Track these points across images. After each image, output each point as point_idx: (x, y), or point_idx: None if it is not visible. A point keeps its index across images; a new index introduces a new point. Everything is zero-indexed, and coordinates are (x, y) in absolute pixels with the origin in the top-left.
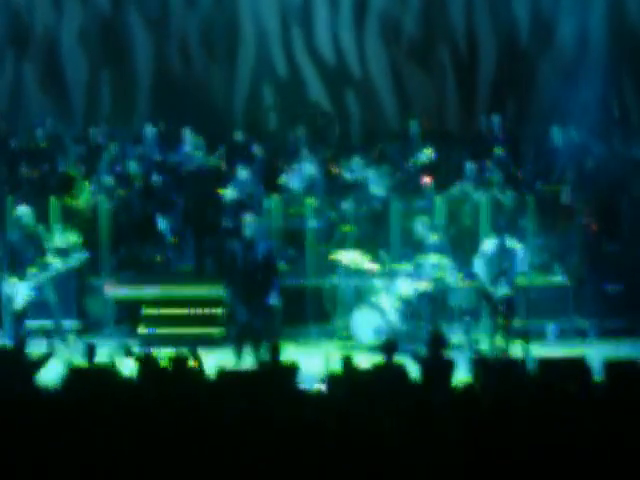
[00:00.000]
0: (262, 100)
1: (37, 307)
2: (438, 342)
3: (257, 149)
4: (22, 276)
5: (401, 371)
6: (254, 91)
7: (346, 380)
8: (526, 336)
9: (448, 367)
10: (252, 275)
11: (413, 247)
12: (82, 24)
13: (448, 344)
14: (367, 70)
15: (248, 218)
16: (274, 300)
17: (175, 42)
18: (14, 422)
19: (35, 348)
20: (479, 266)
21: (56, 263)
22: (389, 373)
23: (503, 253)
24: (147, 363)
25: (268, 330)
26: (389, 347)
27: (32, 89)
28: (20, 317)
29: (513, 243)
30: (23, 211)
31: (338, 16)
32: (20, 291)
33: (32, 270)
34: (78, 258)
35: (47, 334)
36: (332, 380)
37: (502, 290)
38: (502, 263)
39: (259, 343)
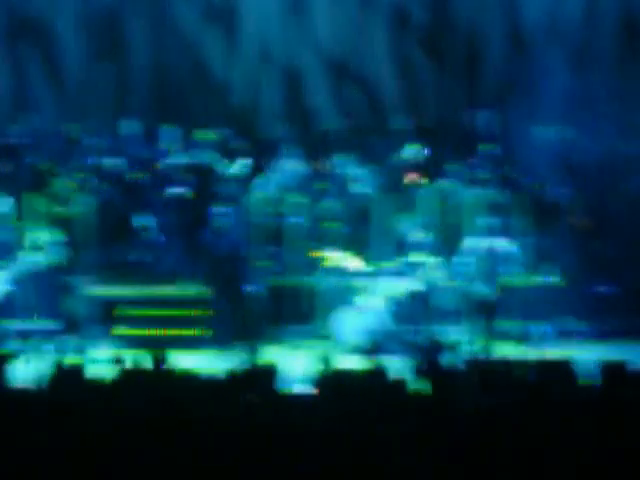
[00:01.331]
0: (260, 91)
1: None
2: (436, 350)
3: (239, 144)
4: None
5: (383, 373)
6: (252, 81)
7: (327, 382)
8: (514, 338)
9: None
10: (226, 267)
11: (397, 245)
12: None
13: (443, 350)
14: (368, 61)
15: (221, 210)
16: (254, 289)
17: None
18: None
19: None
20: (468, 265)
21: (31, 258)
22: (371, 375)
23: (489, 252)
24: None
25: (248, 324)
26: (372, 348)
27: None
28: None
29: (500, 242)
30: (3, 203)
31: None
32: None
33: (5, 263)
34: (54, 255)
35: (20, 333)
36: (313, 382)
37: (485, 290)
38: (490, 262)
39: (239, 338)
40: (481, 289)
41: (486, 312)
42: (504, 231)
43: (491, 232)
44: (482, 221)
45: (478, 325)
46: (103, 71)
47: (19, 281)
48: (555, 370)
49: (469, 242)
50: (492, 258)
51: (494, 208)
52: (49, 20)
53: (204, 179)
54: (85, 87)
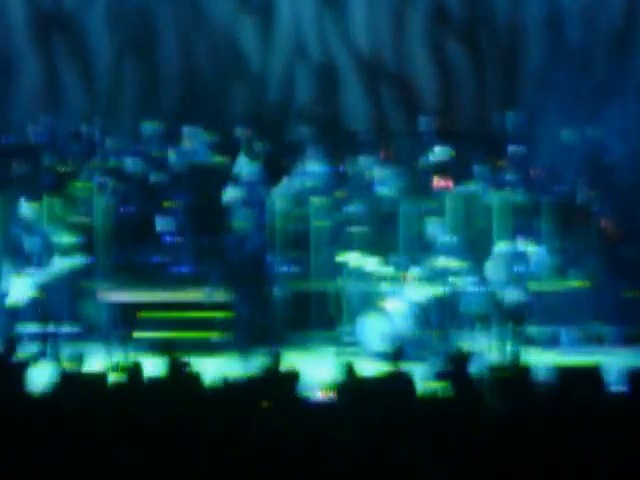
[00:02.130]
0: (295, 87)
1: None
2: (461, 356)
3: (261, 146)
4: (22, 273)
5: (407, 379)
6: (287, 78)
7: (350, 388)
8: (542, 343)
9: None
10: (246, 270)
11: (423, 249)
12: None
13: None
14: (402, 59)
15: (241, 212)
16: (274, 293)
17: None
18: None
19: (26, 351)
20: (492, 270)
21: (57, 264)
22: (396, 382)
23: (516, 256)
24: (137, 372)
25: (269, 329)
26: (396, 354)
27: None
28: (12, 316)
29: (527, 246)
30: (26, 207)
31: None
32: (18, 289)
33: (32, 269)
34: (78, 261)
35: (39, 337)
36: (335, 388)
37: (514, 295)
38: (515, 267)
39: (260, 343)
40: (509, 294)
41: (513, 317)
42: (532, 235)
43: (519, 236)
44: (510, 225)
45: (505, 330)
46: (129, 70)
47: (40, 285)
48: (582, 376)
49: (497, 246)
50: (520, 262)
51: (522, 211)
52: (78, 17)
53: (226, 181)
54: (110, 86)
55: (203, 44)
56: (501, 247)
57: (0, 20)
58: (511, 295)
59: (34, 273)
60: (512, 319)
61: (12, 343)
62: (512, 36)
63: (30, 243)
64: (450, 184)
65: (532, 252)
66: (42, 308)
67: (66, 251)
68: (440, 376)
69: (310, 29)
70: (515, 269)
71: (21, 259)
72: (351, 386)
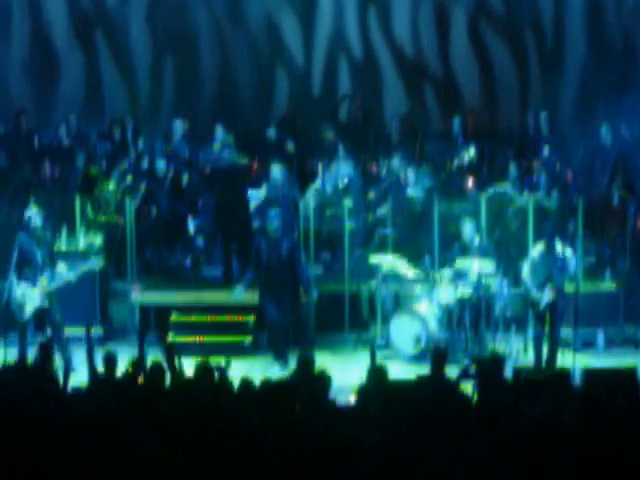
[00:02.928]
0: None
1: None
2: (497, 364)
3: (291, 146)
4: (33, 283)
5: (450, 385)
6: (329, 77)
7: (382, 392)
8: (574, 346)
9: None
10: (277, 272)
11: (454, 251)
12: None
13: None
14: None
15: (272, 214)
16: (306, 296)
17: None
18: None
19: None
20: (526, 271)
21: (67, 271)
22: (436, 386)
23: (550, 258)
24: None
25: (301, 331)
26: (438, 356)
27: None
28: (25, 327)
29: (562, 247)
30: (32, 213)
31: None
32: (30, 299)
33: (43, 277)
34: (91, 265)
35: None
36: (366, 390)
37: (547, 296)
38: (549, 268)
39: (292, 346)
40: (540, 296)
41: (546, 319)
42: (564, 236)
43: (551, 237)
44: (541, 226)
45: (540, 333)
46: (167, 68)
47: (68, 287)
48: (617, 379)
49: (532, 247)
50: (552, 264)
51: (553, 212)
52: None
53: (257, 182)
54: (150, 85)
55: (241, 42)
56: (537, 248)
57: (42, 18)
58: (545, 296)
59: (58, 274)
60: (543, 321)
61: (46, 350)
62: (555, 35)
63: (39, 252)
64: (480, 184)
65: (567, 254)
66: (71, 311)
67: (89, 253)
68: (473, 379)
69: (352, 25)
70: (547, 271)
71: (30, 269)
72: (382, 388)
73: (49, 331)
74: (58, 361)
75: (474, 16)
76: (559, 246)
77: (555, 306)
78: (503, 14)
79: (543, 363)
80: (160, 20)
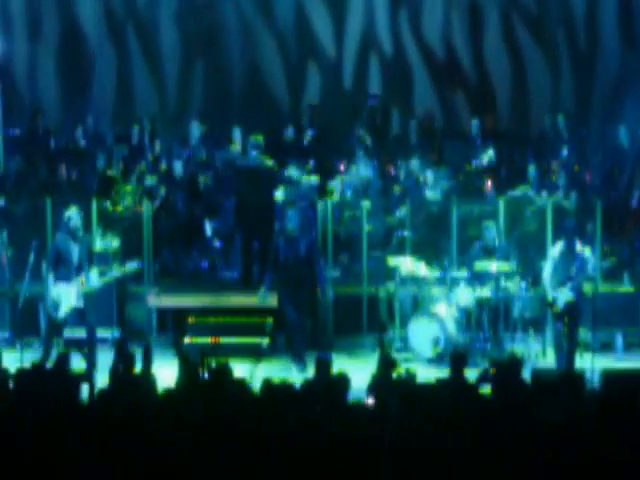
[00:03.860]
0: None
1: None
2: (515, 366)
3: (312, 148)
4: (69, 282)
5: (469, 387)
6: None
7: (398, 392)
8: (594, 347)
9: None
10: (295, 271)
11: (473, 252)
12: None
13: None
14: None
15: (290, 214)
16: (323, 295)
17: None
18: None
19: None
20: (547, 272)
21: (96, 275)
22: (456, 389)
23: (570, 257)
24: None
25: (319, 333)
26: (457, 360)
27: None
28: (58, 326)
29: (581, 247)
30: (72, 213)
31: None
32: (67, 299)
33: (80, 277)
34: (130, 267)
35: (83, 346)
36: (383, 392)
37: (566, 297)
38: (568, 268)
39: (310, 348)
40: (559, 297)
41: (565, 320)
42: (582, 237)
43: (571, 237)
44: (561, 225)
45: (557, 334)
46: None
47: (88, 291)
48: (635, 380)
49: (547, 248)
50: (571, 265)
51: (572, 214)
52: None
53: (274, 183)
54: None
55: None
56: (556, 248)
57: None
58: (562, 297)
59: (79, 281)
60: (565, 322)
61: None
62: (588, 35)
63: (76, 252)
64: (499, 186)
65: (586, 253)
66: (88, 315)
67: (112, 254)
68: (490, 381)
69: (382, 22)
70: (566, 272)
71: (66, 269)
72: (400, 390)
73: (68, 332)
74: (82, 363)
75: (506, 15)
76: (578, 246)
77: (574, 307)
78: (535, 13)
79: (560, 364)
80: (189, 19)
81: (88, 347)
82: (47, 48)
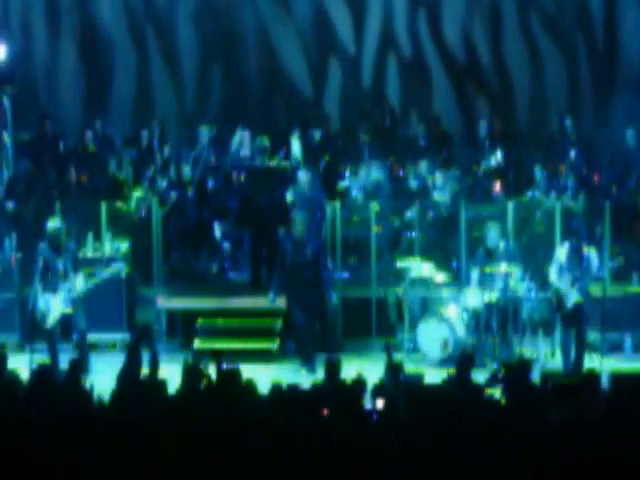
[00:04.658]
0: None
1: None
2: (524, 368)
3: (319, 150)
4: (55, 291)
5: (476, 389)
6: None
7: (407, 395)
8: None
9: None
10: (303, 274)
11: (481, 255)
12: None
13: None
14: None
15: (297, 217)
16: (329, 298)
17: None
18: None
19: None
20: (553, 273)
21: (81, 281)
22: (463, 390)
23: (577, 259)
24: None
25: (328, 336)
26: (464, 361)
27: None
28: (53, 334)
29: (587, 248)
30: (54, 223)
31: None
32: (54, 307)
33: (65, 284)
34: (116, 270)
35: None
36: (393, 394)
37: (574, 299)
38: (575, 269)
39: (319, 350)
40: (567, 298)
41: (573, 323)
42: (591, 239)
43: (576, 240)
44: (568, 229)
45: (565, 335)
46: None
47: (95, 294)
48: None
49: (557, 250)
50: (578, 267)
51: (578, 215)
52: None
53: (284, 186)
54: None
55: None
56: (562, 249)
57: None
58: (573, 299)
59: (65, 290)
60: (573, 324)
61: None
62: (606, 37)
63: (61, 261)
64: (507, 188)
65: (591, 254)
66: (98, 315)
67: (121, 257)
68: (501, 383)
69: (401, 22)
70: (574, 272)
71: (53, 278)
72: (409, 393)
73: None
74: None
75: (525, 16)
76: (585, 246)
77: (581, 308)
78: (554, 14)
79: (571, 366)
80: (207, 20)
81: (79, 352)
82: (66, 49)
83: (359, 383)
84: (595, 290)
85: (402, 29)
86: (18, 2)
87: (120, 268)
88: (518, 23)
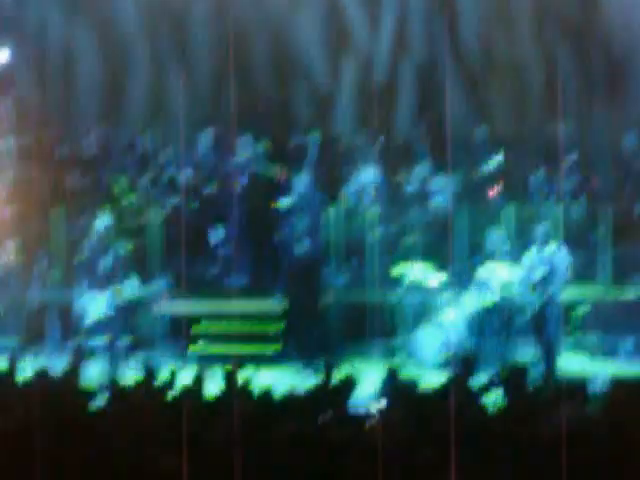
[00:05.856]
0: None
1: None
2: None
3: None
4: (100, 290)
5: (473, 393)
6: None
7: (404, 399)
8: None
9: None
10: (302, 279)
11: (479, 258)
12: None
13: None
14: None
15: (296, 221)
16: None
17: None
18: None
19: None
20: (520, 277)
21: (135, 285)
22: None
23: (544, 262)
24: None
25: (327, 339)
26: (464, 366)
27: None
28: (88, 333)
29: (555, 251)
30: (104, 221)
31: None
32: (95, 306)
33: (114, 286)
34: (159, 286)
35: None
36: (390, 398)
37: (540, 301)
38: (541, 273)
39: (315, 354)
40: (534, 301)
41: (568, 326)
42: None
43: (544, 242)
44: (565, 233)
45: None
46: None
47: (125, 299)
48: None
49: (551, 254)
50: (542, 270)
51: (577, 220)
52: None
53: (281, 190)
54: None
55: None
56: (530, 253)
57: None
58: (539, 301)
59: (112, 291)
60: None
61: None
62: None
63: (104, 260)
64: (504, 192)
65: (559, 258)
66: (100, 321)
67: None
68: (497, 386)
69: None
70: (541, 276)
71: (98, 276)
72: (406, 397)
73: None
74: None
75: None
76: (552, 250)
77: (548, 310)
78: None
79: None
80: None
81: (111, 355)
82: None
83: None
84: (594, 293)
85: (418, 30)
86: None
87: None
88: (532, 25)
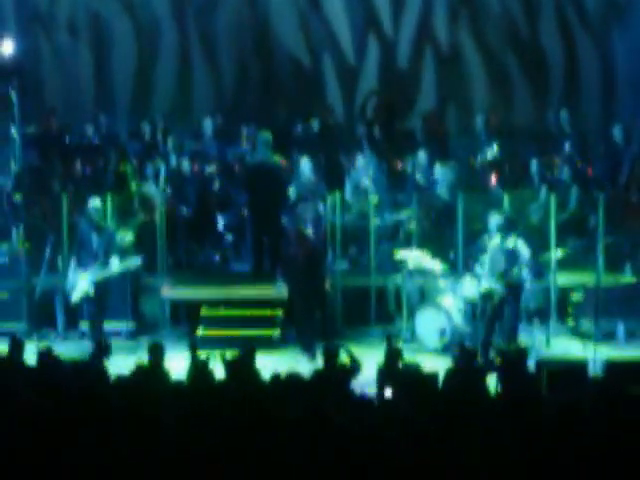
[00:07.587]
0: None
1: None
2: (520, 356)
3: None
4: (85, 269)
5: (462, 373)
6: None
7: (404, 383)
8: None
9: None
10: (304, 265)
11: (478, 246)
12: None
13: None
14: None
15: (299, 208)
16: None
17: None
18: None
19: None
20: (483, 265)
21: (117, 263)
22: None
23: (504, 251)
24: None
25: (327, 324)
26: (467, 354)
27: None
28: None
29: (515, 240)
30: (95, 202)
31: None
32: (80, 285)
33: (97, 265)
34: (134, 262)
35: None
36: (390, 382)
37: (499, 292)
38: (503, 261)
39: (319, 339)
40: (496, 289)
41: (566, 312)
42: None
43: (504, 230)
44: (562, 221)
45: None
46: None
47: (101, 282)
48: (637, 370)
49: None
50: (506, 257)
51: (573, 208)
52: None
53: (284, 179)
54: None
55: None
56: (492, 242)
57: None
58: (500, 288)
59: (94, 270)
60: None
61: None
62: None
63: (96, 241)
64: (503, 180)
65: (519, 246)
66: (104, 306)
67: (127, 249)
68: (497, 371)
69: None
70: (505, 263)
71: (86, 256)
72: (406, 381)
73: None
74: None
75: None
76: (512, 239)
77: (505, 301)
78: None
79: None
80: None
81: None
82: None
83: (349, 369)
84: (590, 279)
85: (440, 21)
86: None
87: (136, 261)
88: (554, 16)
